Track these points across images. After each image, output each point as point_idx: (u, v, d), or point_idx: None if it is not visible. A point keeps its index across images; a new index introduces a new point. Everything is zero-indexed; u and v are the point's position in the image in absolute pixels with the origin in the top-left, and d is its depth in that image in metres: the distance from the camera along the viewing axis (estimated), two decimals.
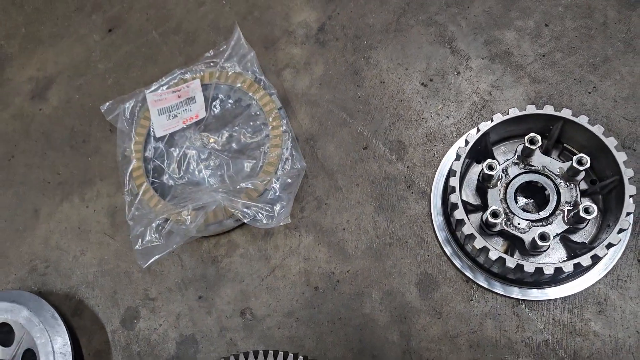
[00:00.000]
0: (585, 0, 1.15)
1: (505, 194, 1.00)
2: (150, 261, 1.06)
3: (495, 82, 1.14)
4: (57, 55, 1.41)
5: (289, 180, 1.10)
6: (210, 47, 1.27)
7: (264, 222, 1.05)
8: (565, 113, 0.96)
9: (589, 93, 1.09)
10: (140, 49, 1.35)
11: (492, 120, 0.98)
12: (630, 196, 0.90)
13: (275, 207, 1.08)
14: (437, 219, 1.07)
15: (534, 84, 1.12)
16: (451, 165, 0.98)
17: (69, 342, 1.08)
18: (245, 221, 1.05)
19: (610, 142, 0.93)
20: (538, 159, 1.01)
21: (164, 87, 1.21)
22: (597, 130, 0.94)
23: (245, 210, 1.05)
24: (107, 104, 1.23)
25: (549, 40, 1.14)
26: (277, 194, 1.09)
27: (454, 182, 0.96)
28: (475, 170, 1.06)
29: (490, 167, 0.96)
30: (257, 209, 1.07)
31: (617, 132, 1.06)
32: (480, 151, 1.03)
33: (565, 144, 1.03)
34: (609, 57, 1.11)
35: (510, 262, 0.90)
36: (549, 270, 0.88)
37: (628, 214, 0.89)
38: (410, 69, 1.19)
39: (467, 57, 1.17)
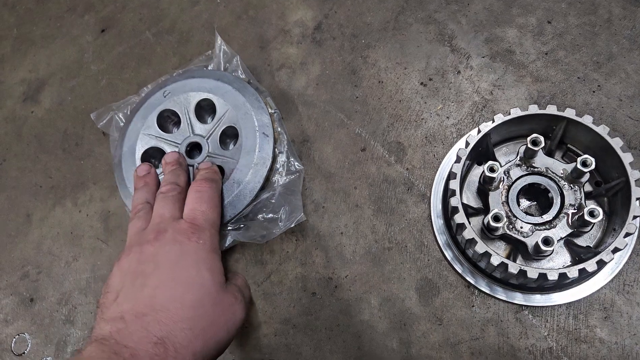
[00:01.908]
0: None
1: (507, 196, 0.97)
2: None
3: (496, 81, 1.11)
4: (50, 56, 1.38)
5: (287, 181, 1.07)
6: (204, 47, 1.25)
7: (274, 231, 1.03)
8: (569, 113, 0.93)
9: (593, 92, 1.06)
10: (133, 50, 1.33)
11: (493, 121, 0.95)
12: (637, 199, 0.87)
13: (280, 211, 1.04)
14: (437, 222, 1.04)
15: (537, 82, 1.09)
16: (451, 168, 0.95)
17: (271, 124, 1.05)
18: (261, 242, 1.04)
19: (616, 143, 0.90)
20: (541, 161, 0.98)
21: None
22: (602, 130, 0.91)
23: (259, 234, 1.03)
24: (97, 111, 1.20)
25: (551, 38, 1.11)
26: (277, 197, 1.05)
27: (454, 185, 0.93)
28: (476, 172, 1.03)
29: (492, 169, 0.93)
30: (261, 221, 1.04)
31: (623, 132, 1.02)
32: (481, 152, 1.00)
33: (569, 145, 1.00)
34: (613, 54, 1.07)
35: (513, 268, 0.87)
36: (552, 277, 0.85)
37: (635, 217, 0.86)
38: (409, 68, 1.15)
39: (467, 55, 1.13)
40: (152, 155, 1.07)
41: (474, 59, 1.13)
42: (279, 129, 1.09)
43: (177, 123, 1.10)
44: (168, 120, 1.09)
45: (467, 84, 1.12)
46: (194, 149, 1.06)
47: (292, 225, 1.01)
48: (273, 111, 1.11)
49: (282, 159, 1.08)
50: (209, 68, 1.17)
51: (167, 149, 1.05)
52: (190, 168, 1.02)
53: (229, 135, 1.07)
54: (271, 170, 1.05)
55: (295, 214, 1.03)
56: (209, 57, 1.20)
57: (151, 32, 1.33)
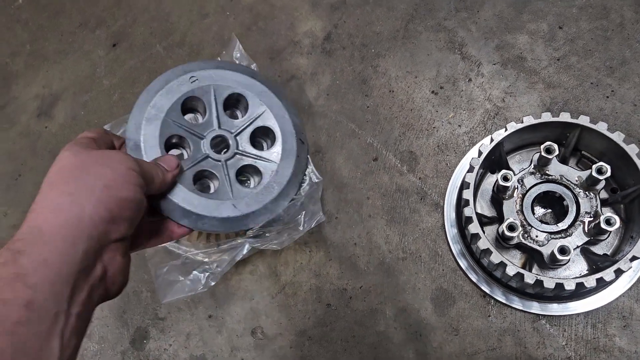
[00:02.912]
0: (601, 0, 1.11)
1: (521, 205, 0.96)
2: (171, 299, 1.03)
3: (508, 88, 1.10)
4: (62, 71, 1.39)
5: (307, 191, 1.07)
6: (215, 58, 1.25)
7: (293, 235, 1.03)
8: (583, 120, 0.92)
9: (607, 97, 1.05)
10: (144, 63, 1.34)
11: (506, 129, 0.95)
12: None
13: (300, 217, 1.05)
14: (451, 231, 1.03)
15: (549, 89, 1.08)
16: (464, 177, 0.95)
17: (306, 132, 0.99)
18: (278, 248, 1.03)
19: (632, 150, 0.89)
20: (555, 168, 0.97)
21: None
22: (617, 137, 0.90)
23: (276, 240, 1.03)
24: (111, 123, 1.21)
25: (563, 44, 1.10)
26: (298, 206, 1.06)
27: (468, 195, 0.92)
28: (490, 180, 1.02)
29: (506, 179, 0.93)
30: (280, 229, 1.04)
31: (638, 137, 1.01)
32: (494, 161, 0.99)
33: (583, 152, 0.99)
34: (626, 59, 1.06)
35: (529, 278, 0.86)
36: (570, 286, 0.84)
37: None
38: (420, 77, 1.15)
39: (478, 63, 1.13)
40: (174, 145, 0.95)
41: (485, 66, 1.12)
42: None
43: (197, 113, 1.00)
44: (191, 108, 0.98)
45: (478, 92, 1.11)
46: (219, 144, 0.96)
47: (313, 226, 1.01)
48: None
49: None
50: None
51: (190, 140, 0.93)
52: (218, 163, 0.93)
53: (260, 136, 1.01)
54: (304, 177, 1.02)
55: (315, 216, 1.03)
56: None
57: (162, 46, 1.34)
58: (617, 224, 0.86)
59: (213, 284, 1.04)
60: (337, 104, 1.17)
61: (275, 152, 0.96)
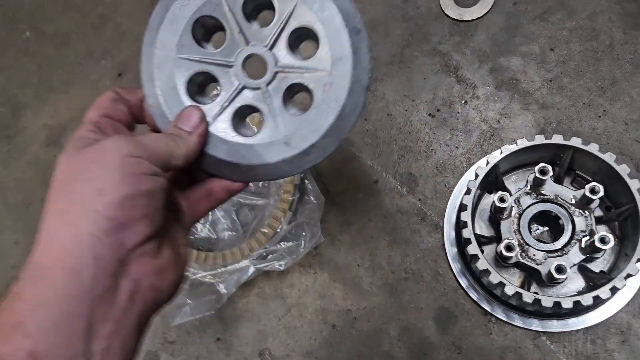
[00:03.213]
0: (590, 22, 1.14)
1: (519, 224, 0.99)
2: (180, 322, 1.06)
3: (503, 110, 1.13)
4: (70, 101, 1.44)
5: (308, 212, 1.10)
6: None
7: (294, 256, 1.06)
8: (575, 142, 0.95)
9: (599, 117, 1.08)
10: None
11: (501, 152, 0.98)
12: None
13: (300, 238, 1.08)
14: (451, 251, 1.06)
15: (543, 109, 1.11)
16: (462, 199, 0.98)
17: (359, 16, 0.69)
18: (282, 269, 1.07)
19: (623, 170, 0.92)
20: (550, 188, 1.00)
21: None
22: (609, 158, 0.93)
23: (278, 262, 1.06)
24: None
25: (555, 65, 1.13)
26: (298, 227, 1.10)
27: (466, 216, 0.95)
28: (488, 200, 1.05)
29: (502, 200, 0.96)
30: (283, 250, 1.08)
31: (630, 155, 1.04)
32: (491, 182, 1.02)
33: (577, 171, 1.02)
34: (617, 79, 1.09)
35: (528, 297, 0.89)
36: (567, 305, 0.87)
37: None
38: (417, 100, 1.19)
39: (473, 85, 1.16)
40: (199, 87, 0.74)
41: (480, 89, 1.16)
42: None
43: (220, 31, 0.75)
44: (205, 31, 0.75)
45: (474, 114, 1.14)
46: (252, 64, 0.73)
47: (312, 247, 1.04)
48: None
49: (300, 189, 1.12)
50: None
51: (219, 73, 0.72)
52: (257, 92, 0.71)
53: (301, 40, 0.75)
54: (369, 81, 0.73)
55: (315, 238, 1.06)
56: None
57: None
58: (611, 243, 0.89)
59: (220, 306, 1.07)
60: None
61: (323, 57, 0.70)
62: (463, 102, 1.16)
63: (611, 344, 0.95)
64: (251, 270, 1.07)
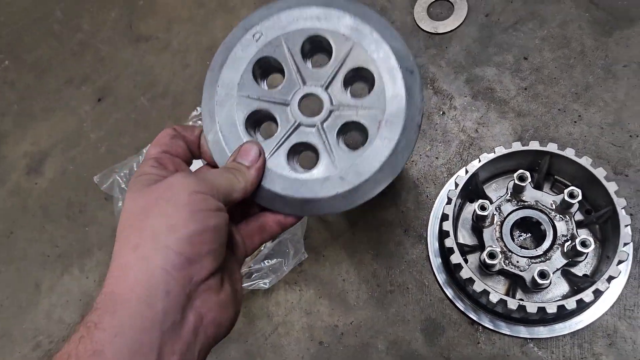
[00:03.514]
0: (561, 30, 1.17)
1: (501, 232, 0.99)
2: None
3: (480, 119, 1.14)
4: (50, 128, 1.43)
5: (290, 231, 1.10)
6: (197, 107, 1.29)
7: (278, 274, 1.05)
8: (551, 147, 0.96)
9: (575, 122, 1.09)
10: (130, 116, 1.38)
11: (479, 160, 0.99)
12: (626, 226, 0.89)
13: (283, 256, 1.08)
14: (436, 261, 1.06)
15: (519, 117, 1.12)
16: (443, 209, 0.98)
17: (413, 57, 0.75)
18: (266, 287, 1.06)
19: (600, 173, 0.93)
20: (530, 194, 1.00)
21: None
22: (585, 162, 0.94)
23: (263, 280, 1.05)
24: (99, 174, 1.24)
25: (529, 73, 1.15)
26: (281, 244, 1.09)
27: (448, 226, 0.95)
28: (469, 209, 1.06)
29: (483, 208, 0.96)
30: (267, 268, 1.08)
31: (607, 159, 1.05)
32: (471, 191, 1.03)
33: (556, 176, 1.03)
34: (590, 84, 1.11)
35: (512, 304, 0.88)
36: (551, 309, 0.87)
37: (625, 244, 0.88)
38: None
39: (450, 96, 1.18)
40: (258, 123, 0.79)
41: (457, 99, 1.17)
42: None
43: (279, 72, 0.80)
44: (263, 71, 0.80)
45: (452, 124, 1.15)
46: (309, 104, 0.77)
47: (295, 265, 1.04)
48: None
49: None
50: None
51: (276, 111, 0.76)
52: (313, 129, 0.75)
53: (358, 81, 0.79)
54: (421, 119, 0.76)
55: (298, 255, 1.06)
56: None
57: (146, 98, 1.38)
58: (593, 246, 0.89)
59: None
60: None
61: (377, 96, 0.74)
62: (441, 113, 1.17)
63: (598, 347, 0.95)
64: None
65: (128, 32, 1.50)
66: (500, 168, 1.04)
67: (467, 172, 0.98)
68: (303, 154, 0.78)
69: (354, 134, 0.77)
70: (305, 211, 0.73)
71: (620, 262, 0.87)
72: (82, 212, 1.31)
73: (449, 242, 0.94)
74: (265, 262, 1.08)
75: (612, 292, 0.97)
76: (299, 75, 0.76)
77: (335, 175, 0.72)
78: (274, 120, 0.76)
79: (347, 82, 0.77)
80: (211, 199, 0.58)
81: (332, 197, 0.72)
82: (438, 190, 1.11)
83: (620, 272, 0.87)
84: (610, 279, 0.86)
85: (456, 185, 0.98)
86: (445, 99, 1.18)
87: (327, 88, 0.75)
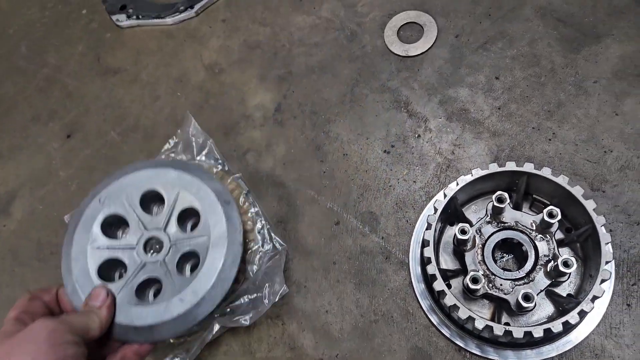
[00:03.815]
0: (530, 49, 1.17)
1: (483, 254, 0.98)
2: None
3: (456, 141, 1.14)
4: (18, 167, 1.39)
5: (269, 260, 1.07)
6: (169, 140, 1.26)
7: (259, 310, 1.02)
8: (528, 167, 0.96)
9: (549, 140, 1.09)
10: (100, 151, 1.34)
11: (457, 184, 0.98)
12: (606, 243, 0.88)
13: (264, 289, 1.04)
14: (419, 287, 1.04)
15: (494, 137, 1.12)
16: (424, 235, 0.97)
17: (228, 191, 0.98)
18: (247, 323, 1.02)
19: (577, 191, 0.92)
20: (510, 215, 1.00)
21: None
22: (562, 180, 0.94)
23: (243, 316, 1.02)
24: (70, 213, 1.20)
25: (502, 93, 1.15)
26: (261, 277, 1.06)
27: (429, 252, 0.94)
28: (450, 232, 1.04)
29: (463, 231, 0.95)
30: (247, 304, 1.04)
31: (584, 175, 1.05)
32: (451, 214, 1.02)
33: (534, 195, 1.02)
34: (562, 101, 1.12)
35: (498, 330, 0.87)
36: (538, 334, 0.85)
37: (607, 262, 0.87)
38: (371, 138, 1.18)
39: (424, 119, 1.17)
40: (109, 269, 0.96)
41: (432, 122, 1.16)
42: (256, 209, 1.10)
43: (125, 223, 1.00)
44: (113, 225, 0.99)
45: (428, 147, 1.15)
46: (153, 245, 0.97)
47: (276, 300, 1.01)
48: (246, 192, 1.13)
49: (261, 237, 1.09)
50: (178, 152, 1.18)
51: (124, 256, 0.94)
52: (154, 265, 0.92)
53: (187, 217, 0.99)
54: (245, 239, 0.99)
55: (279, 289, 1.03)
56: (177, 143, 1.21)
57: (116, 132, 1.35)
58: (574, 265, 0.88)
59: None
60: (294, 173, 1.19)
61: (204, 226, 0.93)
62: (416, 136, 1.16)
63: None
64: (216, 327, 1.03)
65: (95, 66, 1.47)
66: (478, 190, 1.04)
67: (445, 195, 0.97)
68: (153, 284, 0.94)
69: (192, 261, 0.95)
70: (156, 336, 0.86)
71: (603, 281, 0.86)
72: (53, 254, 1.26)
73: (431, 269, 0.93)
74: (245, 297, 1.05)
75: (597, 310, 0.96)
76: (141, 223, 0.95)
77: (176, 298, 0.87)
78: (123, 265, 0.93)
79: (180, 219, 0.95)
80: (69, 334, 0.70)
81: (175, 319, 0.86)
82: (418, 214, 1.10)
83: (604, 291, 0.86)
84: (594, 298, 0.85)
85: (435, 209, 0.97)
86: (420, 122, 1.17)
87: (165, 229, 0.94)
